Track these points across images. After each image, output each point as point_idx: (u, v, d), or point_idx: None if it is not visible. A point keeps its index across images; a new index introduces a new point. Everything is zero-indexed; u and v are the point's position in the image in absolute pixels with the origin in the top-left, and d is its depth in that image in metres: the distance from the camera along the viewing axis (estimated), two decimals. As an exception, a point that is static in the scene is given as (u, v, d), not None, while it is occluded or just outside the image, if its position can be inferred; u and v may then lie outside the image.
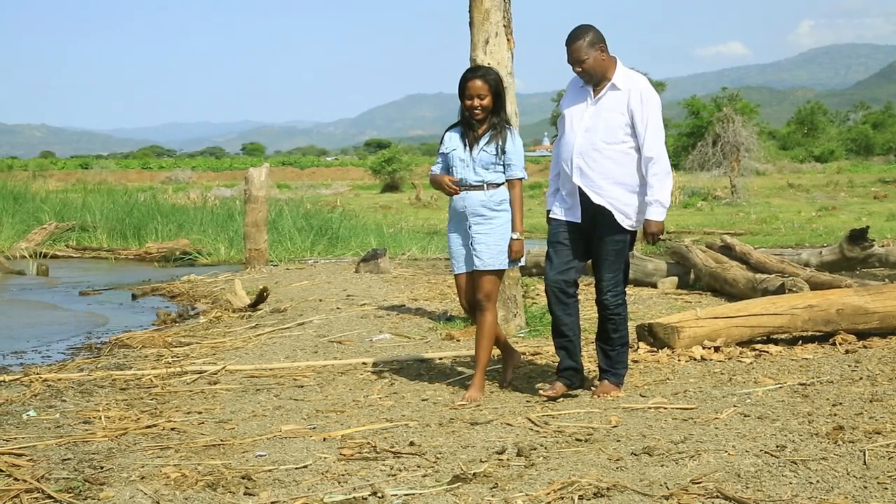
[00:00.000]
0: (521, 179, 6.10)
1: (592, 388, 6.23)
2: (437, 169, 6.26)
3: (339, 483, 4.50)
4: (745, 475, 4.32)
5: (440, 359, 7.47)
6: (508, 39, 8.35)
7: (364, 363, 7.45)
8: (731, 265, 10.83)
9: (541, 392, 6.05)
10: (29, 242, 19.54)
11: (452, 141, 6.15)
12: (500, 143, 6.01)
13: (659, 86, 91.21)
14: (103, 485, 4.57)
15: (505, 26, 8.33)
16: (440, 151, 6.23)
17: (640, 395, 6.05)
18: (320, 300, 11.06)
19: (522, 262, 6.36)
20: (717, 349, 7.11)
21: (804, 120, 79.83)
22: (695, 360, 6.96)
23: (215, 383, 7.02)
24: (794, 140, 75.36)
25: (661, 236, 6.03)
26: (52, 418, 6.08)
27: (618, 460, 4.66)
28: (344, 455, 4.96)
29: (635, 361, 6.97)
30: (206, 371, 7.38)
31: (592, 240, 5.97)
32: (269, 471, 4.73)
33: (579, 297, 6.21)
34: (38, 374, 7.53)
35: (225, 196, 33.20)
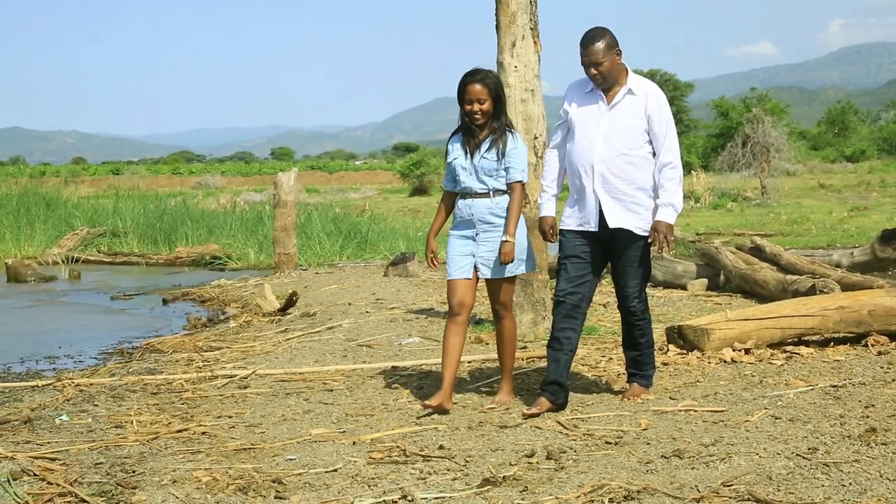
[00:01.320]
0: (520, 182, 5.89)
1: (622, 391, 6.21)
2: (447, 181, 6.14)
3: (370, 486, 4.51)
4: (777, 478, 4.30)
5: (469, 362, 7.47)
6: (535, 42, 8.34)
7: (393, 367, 7.47)
8: (761, 266, 10.78)
9: (524, 412, 5.75)
10: (61, 248, 19.70)
11: (455, 149, 6.01)
12: (501, 147, 5.85)
13: (687, 87, 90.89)
14: (135, 488, 4.61)
15: (532, 29, 8.32)
16: (448, 160, 6.07)
17: (670, 398, 6.03)
18: (349, 304, 11.08)
19: (534, 268, 6.30)
20: (747, 351, 7.07)
21: (835, 120, 79.28)
22: (725, 362, 6.93)
23: (245, 387, 7.05)
24: (825, 140, 74.84)
25: (670, 242, 5.79)
26: (84, 423, 6.13)
27: (648, 463, 4.65)
28: (374, 459, 4.97)
29: (665, 364, 6.95)
30: (236, 375, 7.41)
31: (613, 249, 5.85)
32: (300, 474, 4.75)
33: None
34: (70, 378, 7.58)
35: (254, 201, 33.34)
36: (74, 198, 29.39)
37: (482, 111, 5.85)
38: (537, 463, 4.75)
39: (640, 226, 5.77)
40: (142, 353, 9.12)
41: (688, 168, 42.13)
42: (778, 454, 4.65)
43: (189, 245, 20.05)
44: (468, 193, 5.94)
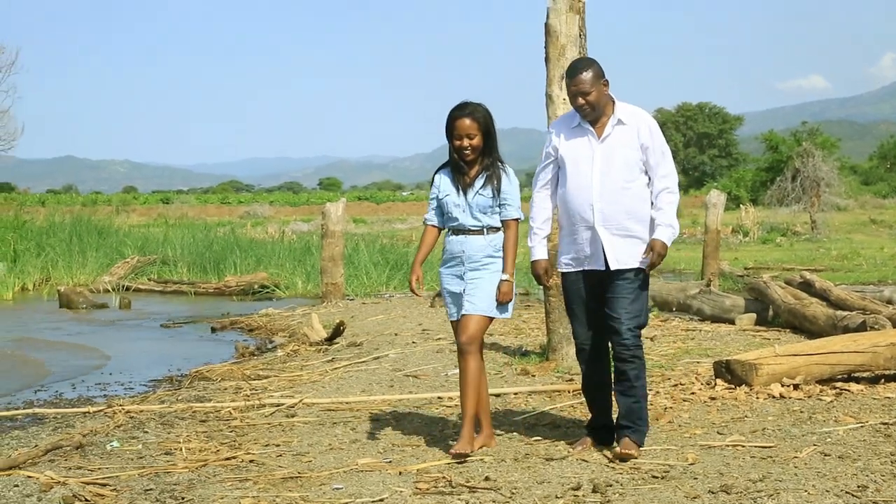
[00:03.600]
0: (516, 220, 5.71)
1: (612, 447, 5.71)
2: (431, 216, 5.87)
3: (415, 517, 4.53)
4: (826, 515, 4.26)
5: (515, 394, 7.47)
6: (584, 75, 8.36)
7: (439, 397, 7.48)
8: (810, 301, 10.68)
9: (570, 450, 5.68)
10: (112, 276, 19.96)
11: (444, 184, 5.79)
12: (496, 184, 5.65)
13: (737, 120, 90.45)
14: (184, 515, 4.66)
15: (581, 62, 8.34)
16: (432, 196, 5.85)
17: (718, 433, 6.00)
18: (396, 334, 11.12)
19: (508, 314, 5.81)
20: (796, 387, 7.01)
21: (887, 154, 78.33)
22: (773, 397, 6.87)
23: (293, 416, 7.10)
24: (877, 175, 73.96)
25: (660, 262, 5.54)
26: (134, 449, 6.21)
27: (695, 498, 4.63)
28: (420, 489, 4.99)
29: (712, 398, 6.91)
30: (283, 404, 7.47)
31: (609, 279, 5.56)
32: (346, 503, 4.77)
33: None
34: (121, 405, 7.69)
35: (302, 230, 33.56)
36: (125, 226, 29.79)
37: (472, 146, 5.64)
38: (583, 496, 4.75)
39: (642, 263, 5.53)
40: (191, 381, 9.21)
41: (737, 202, 41.86)
42: (827, 491, 4.62)
43: (237, 274, 20.22)
44: (461, 230, 5.74)
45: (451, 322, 5.89)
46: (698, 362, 8.52)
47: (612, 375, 5.75)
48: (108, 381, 9.64)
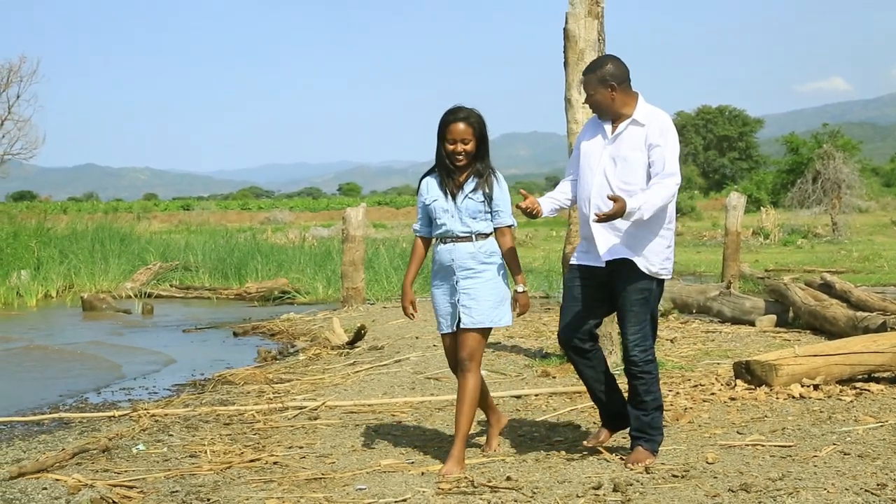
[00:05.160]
0: (510, 227, 5.58)
1: (623, 457, 5.61)
2: (419, 225, 5.72)
3: (438, 516, 4.58)
4: (845, 513, 4.29)
5: (536, 395, 7.52)
6: (602, 79, 8.41)
7: (461, 400, 7.52)
8: (830, 303, 10.69)
9: (584, 443, 5.70)
10: (134, 282, 20.09)
11: (432, 190, 5.61)
12: (487, 189, 5.49)
13: (757, 122, 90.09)
14: (210, 515, 4.73)
15: (599, 66, 8.39)
16: (420, 202, 5.69)
17: (738, 433, 6.03)
18: (417, 337, 11.19)
19: (509, 321, 5.62)
20: (816, 387, 7.04)
21: (908, 155, 77.97)
22: (793, 397, 6.90)
23: (315, 419, 7.17)
24: (899, 176, 73.60)
25: (607, 215, 5.17)
26: (160, 452, 6.29)
27: (714, 496, 4.67)
28: (442, 489, 5.04)
29: (732, 399, 6.95)
30: (306, 407, 7.54)
31: (614, 289, 5.46)
32: None
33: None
34: (146, 409, 7.78)
35: (322, 236, 33.67)
36: (147, 233, 29.98)
37: (465, 152, 5.49)
38: (604, 495, 4.79)
39: (639, 260, 5.36)
40: (214, 385, 9.29)
41: (757, 204, 41.74)
42: (846, 489, 4.65)
43: (258, 280, 20.32)
44: (448, 237, 5.55)
45: (441, 335, 5.73)
46: (718, 363, 8.55)
47: (607, 376, 5.68)
48: (133, 386, 9.75)
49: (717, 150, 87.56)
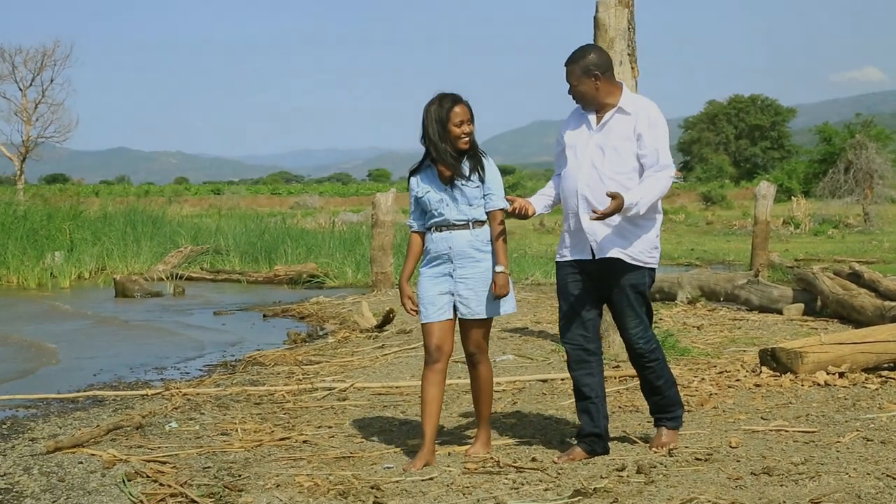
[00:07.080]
0: (502, 210, 5.40)
1: (648, 439, 5.62)
2: (412, 220, 5.56)
3: (464, 494, 4.67)
4: (866, 497, 4.34)
5: (562, 380, 7.59)
6: (633, 67, 8.45)
7: (488, 383, 7.61)
8: (858, 292, 10.68)
9: (555, 460, 5.29)
10: (166, 265, 20.31)
11: (422, 182, 5.46)
12: (480, 172, 5.38)
13: (790, 112, 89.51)
14: (241, 491, 4.85)
15: (629, 55, 8.43)
16: (412, 196, 5.52)
17: (762, 418, 6.08)
18: (445, 322, 11.26)
19: (512, 308, 5.51)
20: (841, 375, 7.07)
21: (942, 146, 77.26)
22: (818, 385, 6.93)
23: (344, 399, 7.29)
24: (932, 167, 72.96)
25: (603, 213, 5.06)
26: (192, 430, 6.42)
27: (737, 479, 4.73)
28: (468, 469, 5.13)
29: (757, 385, 6.99)
30: (335, 388, 7.65)
31: (606, 286, 5.32)
32: (397, 482, 4.94)
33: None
34: (178, 388, 7.92)
35: (352, 221, 33.84)
36: (178, 216, 30.21)
37: (468, 133, 5.37)
38: (628, 476, 4.86)
39: (629, 254, 5.24)
40: (245, 366, 9.43)
41: (788, 193, 41.53)
42: (868, 474, 4.69)
43: (288, 264, 20.48)
44: (444, 225, 5.40)
45: (424, 325, 5.49)
46: (744, 351, 8.59)
47: (603, 390, 5.46)
48: (165, 366, 9.89)
49: (749, 139, 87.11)
